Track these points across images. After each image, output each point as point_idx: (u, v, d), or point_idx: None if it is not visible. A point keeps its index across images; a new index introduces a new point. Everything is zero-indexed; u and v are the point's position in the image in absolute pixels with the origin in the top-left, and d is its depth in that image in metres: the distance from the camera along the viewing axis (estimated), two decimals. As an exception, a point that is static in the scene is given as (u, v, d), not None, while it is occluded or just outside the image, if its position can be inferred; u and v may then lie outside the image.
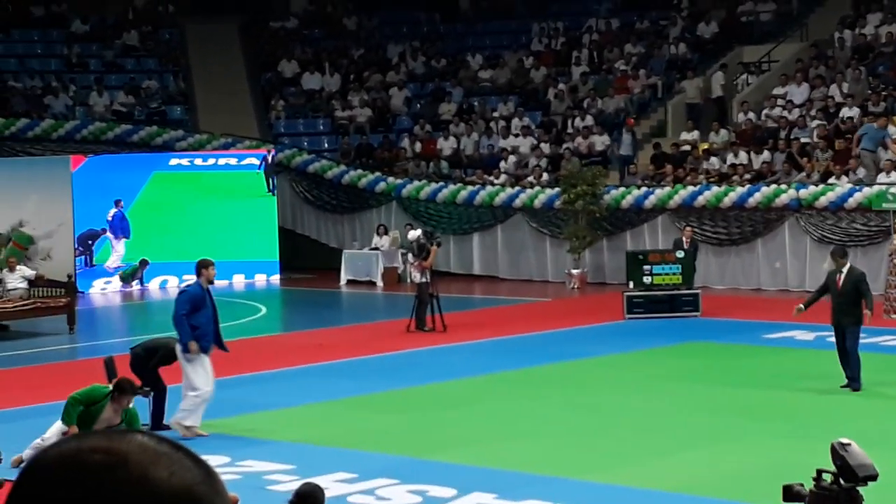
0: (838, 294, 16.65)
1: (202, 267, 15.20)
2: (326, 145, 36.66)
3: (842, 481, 6.71)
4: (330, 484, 12.78)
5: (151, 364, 15.39)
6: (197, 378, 14.88)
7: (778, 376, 17.77)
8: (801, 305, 17.33)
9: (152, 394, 15.33)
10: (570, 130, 33.48)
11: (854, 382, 16.58)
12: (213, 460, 12.35)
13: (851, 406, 15.79)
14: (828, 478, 6.81)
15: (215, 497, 1.73)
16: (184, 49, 39.11)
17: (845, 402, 16.10)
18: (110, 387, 12.96)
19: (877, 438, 13.39)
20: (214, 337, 15.11)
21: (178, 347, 14.98)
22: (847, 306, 16.54)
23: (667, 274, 24.03)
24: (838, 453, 6.75)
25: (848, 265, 16.99)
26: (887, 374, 16.94)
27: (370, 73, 38.26)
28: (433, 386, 17.95)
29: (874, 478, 6.64)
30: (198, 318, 14.90)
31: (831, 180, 27.49)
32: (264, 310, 27.60)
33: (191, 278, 15.83)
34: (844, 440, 6.86)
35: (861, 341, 20.10)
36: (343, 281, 31.82)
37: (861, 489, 6.76)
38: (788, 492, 6.79)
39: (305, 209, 34.90)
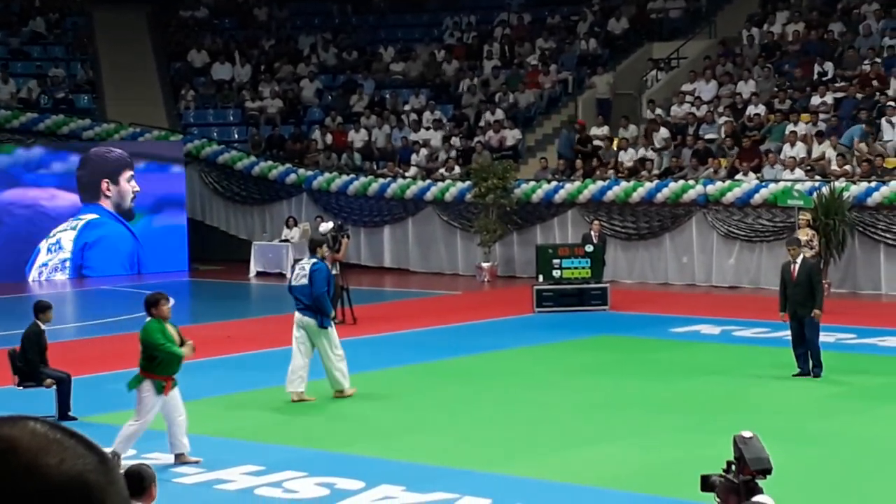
0: (793, 284, 16.99)
1: (318, 245, 17.06)
2: (236, 136, 36.37)
3: (741, 474, 6.84)
4: (237, 476, 12.70)
5: (29, 358, 15.18)
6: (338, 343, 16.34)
7: (685, 369, 17.95)
8: (781, 312, 17.36)
9: (55, 385, 15.14)
10: (481, 124, 33.54)
11: (816, 369, 16.90)
12: (119, 453, 12.20)
13: (760, 399, 15.98)
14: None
15: (108, 485, 1.71)
16: (91, 37, 38.55)
17: (754, 394, 16.29)
18: (149, 318, 13.38)
19: (782, 431, 13.58)
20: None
21: (315, 320, 16.18)
22: (802, 296, 16.88)
23: (576, 268, 24.16)
24: (737, 446, 6.90)
25: (802, 256, 17.31)
26: (788, 368, 17.15)
27: (281, 63, 38.02)
28: (342, 378, 17.86)
29: (768, 472, 6.76)
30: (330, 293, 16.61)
31: (738, 176, 27.81)
32: (172, 301, 27.25)
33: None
34: (747, 433, 6.99)
35: (767, 336, 20.46)
36: (252, 273, 31.61)
37: (762, 481, 6.89)
38: (705, 482, 6.91)
39: (215, 200, 34.61)
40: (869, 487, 12.21)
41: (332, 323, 16.65)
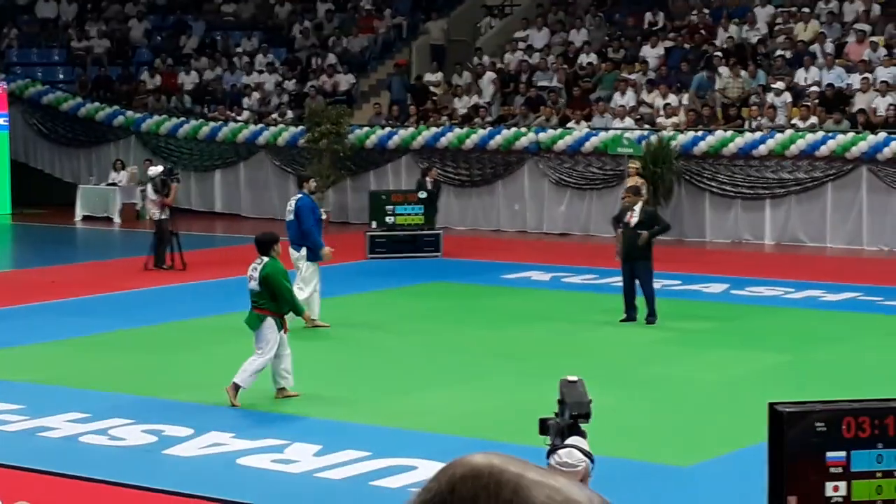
0: (629, 229, 17.11)
1: (304, 180, 17.94)
2: (62, 76, 35.38)
3: (565, 416, 7.03)
4: (61, 424, 12.40)
5: None
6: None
7: (517, 315, 18.09)
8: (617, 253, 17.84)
9: None
10: (314, 68, 33.21)
11: (650, 317, 17.15)
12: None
13: (589, 344, 16.19)
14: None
15: None
16: None
17: (583, 339, 16.50)
18: (267, 257, 13.33)
19: (610, 376, 13.79)
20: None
21: (301, 253, 17.04)
22: (636, 242, 17.00)
23: (409, 214, 24.15)
24: (562, 390, 7.08)
25: (640, 203, 17.48)
26: (616, 314, 17.41)
27: (108, 2, 37.06)
28: (171, 325, 17.60)
29: (586, 417, 6.94)
30: (318, 227, 17.32)
31: (569, 125, 28.05)
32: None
33: None
34: (572, 377, 7.14)
35: (596, 283, 20.75)
36: (78, 217, 30.87)
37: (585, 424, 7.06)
38: (543, 425, 7.05)
39: (39, 142, 33.66)
40: (693, 430, 12.46)
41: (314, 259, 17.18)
